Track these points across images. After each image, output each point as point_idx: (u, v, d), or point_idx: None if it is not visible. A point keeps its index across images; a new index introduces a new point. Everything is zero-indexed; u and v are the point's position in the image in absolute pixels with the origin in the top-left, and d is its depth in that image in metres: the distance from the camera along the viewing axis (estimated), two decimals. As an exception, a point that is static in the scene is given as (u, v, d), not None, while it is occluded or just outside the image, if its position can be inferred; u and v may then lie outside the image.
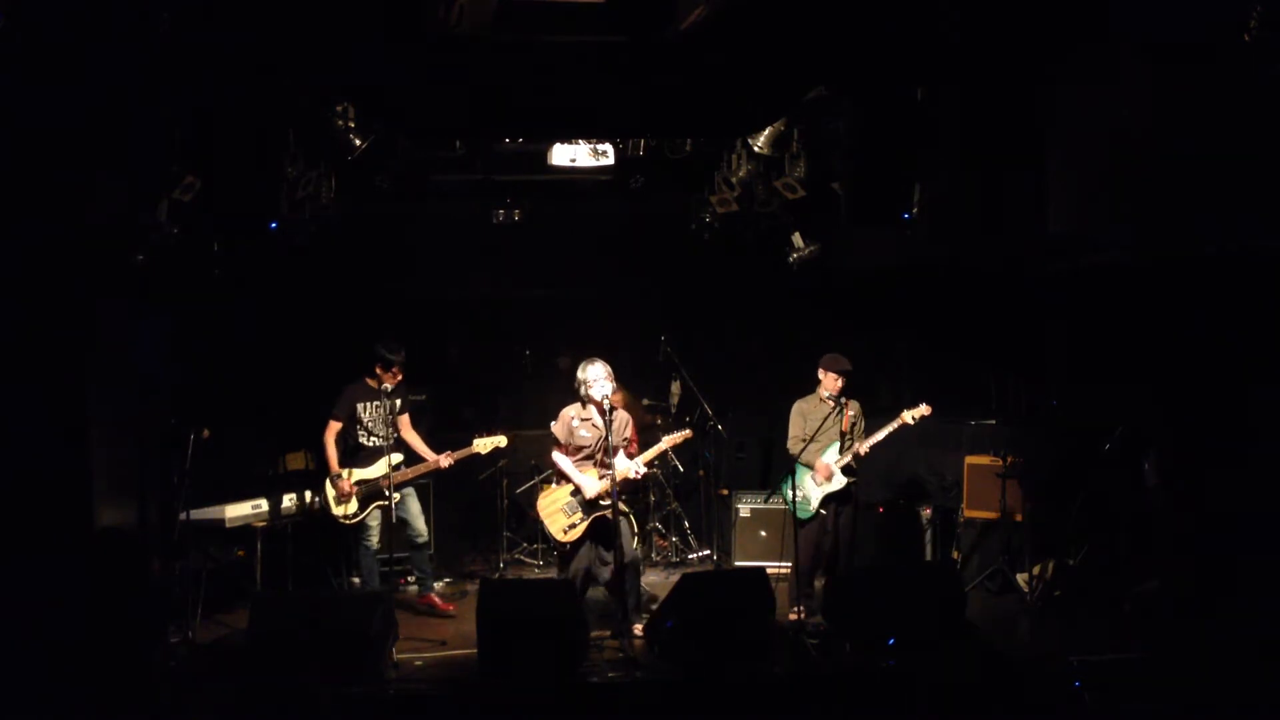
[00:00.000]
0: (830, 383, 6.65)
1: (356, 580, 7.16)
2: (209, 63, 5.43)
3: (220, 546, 6.79)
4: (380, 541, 6.70)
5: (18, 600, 5.10)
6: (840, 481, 6.58)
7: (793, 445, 6.70)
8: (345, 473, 6.68)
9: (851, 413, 6.68)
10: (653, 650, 5.87)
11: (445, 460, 6.78)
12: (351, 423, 6.76)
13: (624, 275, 9.09)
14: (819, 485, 6.61)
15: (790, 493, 6.43)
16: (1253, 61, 4.78)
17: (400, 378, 6.78)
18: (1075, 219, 6.12)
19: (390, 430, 6.70)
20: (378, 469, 6.65)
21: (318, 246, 7.40)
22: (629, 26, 5.19)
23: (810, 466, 6.61)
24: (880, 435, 6.57)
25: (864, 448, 6.56)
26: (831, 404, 6.61)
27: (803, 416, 6.72)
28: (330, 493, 6.73)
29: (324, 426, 6.81)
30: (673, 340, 8.36)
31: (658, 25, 5.17)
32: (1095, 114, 5.85)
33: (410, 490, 6.88)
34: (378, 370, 6.73)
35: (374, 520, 6.70)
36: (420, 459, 6.85)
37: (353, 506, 6.67)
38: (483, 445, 6.84)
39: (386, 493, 6.45)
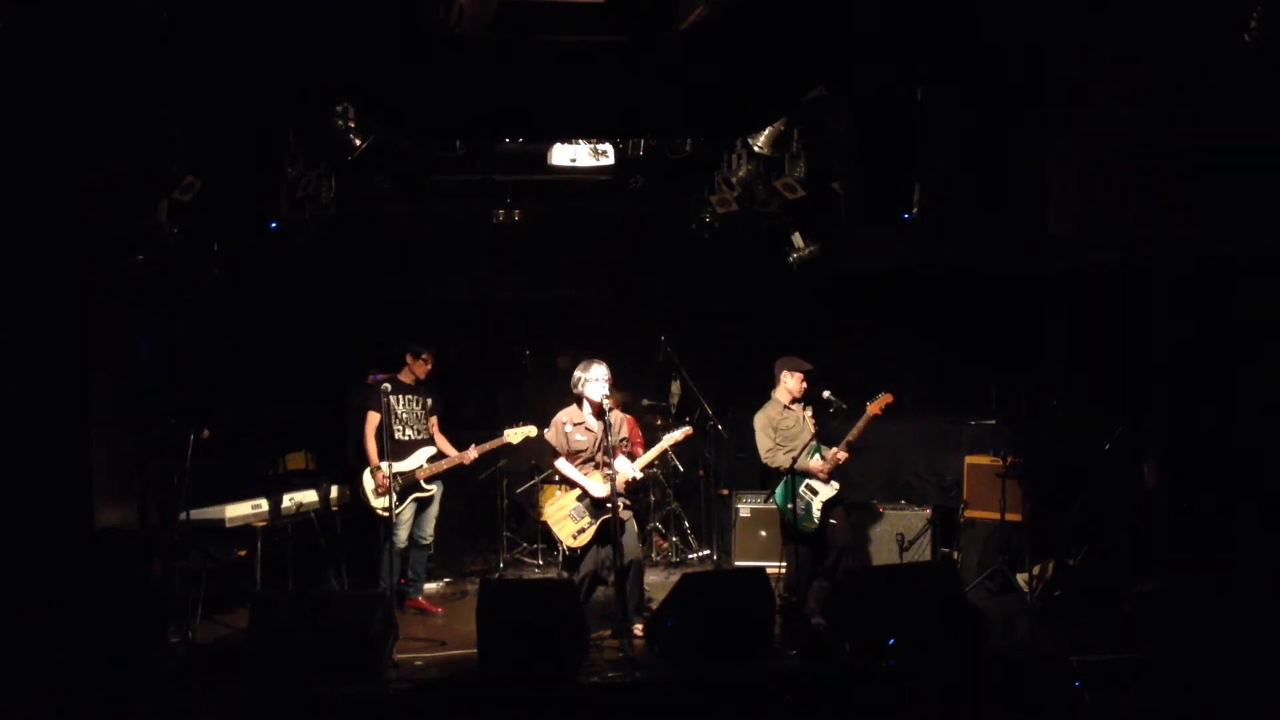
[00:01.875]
0: (795, 384, 6.66)
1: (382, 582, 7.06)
2: (209, 63, 5.43)
3: (220, 546, 6.78)
4: (408, 540, 6.82)
5: (18, 600, 5.11)
6: (834, 486, 6.59)
7: (772, 457, 6.58)
8: (384, 466, 6.73)
9: (810, 414, 6.70)
10: (653, 650, 5.87)
11: (471, 454, 6.89)
12: (386, 415, 6.78)
13: (624, 275, 9.09)
14: (816, 493, 6.56)
15: (788, 504, 6.42)
16: (1253, 61, 4.78)
17: (430, 367, 6.96)
18: (1075, 219, 6.12)
19: (423, 425, 6.95)
20: (412, 462, 6.79)
21: (318, 246, 7.40)
22: (629, 26, 5.19)
23: (805, 474, 6.53)
24: (853, 434, 6.53)
25: (842, 453, 6.54)
26: (799, 409, 6.66)
27: (773, 428, 6.66)
28: (370, 484, 6.80)
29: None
30: (673, 340, 8.36)
31: (658, 25, 5.17)
32: (1095, 114, 5.85)
33: (438, 491, 7.00)
34: (408, 359, 6.91)
35: (408, 514, 6.82)
36: (444, 455, 6.97)
37: (385, 499, 6.71)
38: (514, 435, 6.89)
39: (422, 484, 6.79)
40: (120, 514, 5.66)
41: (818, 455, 6.60)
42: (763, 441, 6.67)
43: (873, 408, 6.50)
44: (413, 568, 7.06)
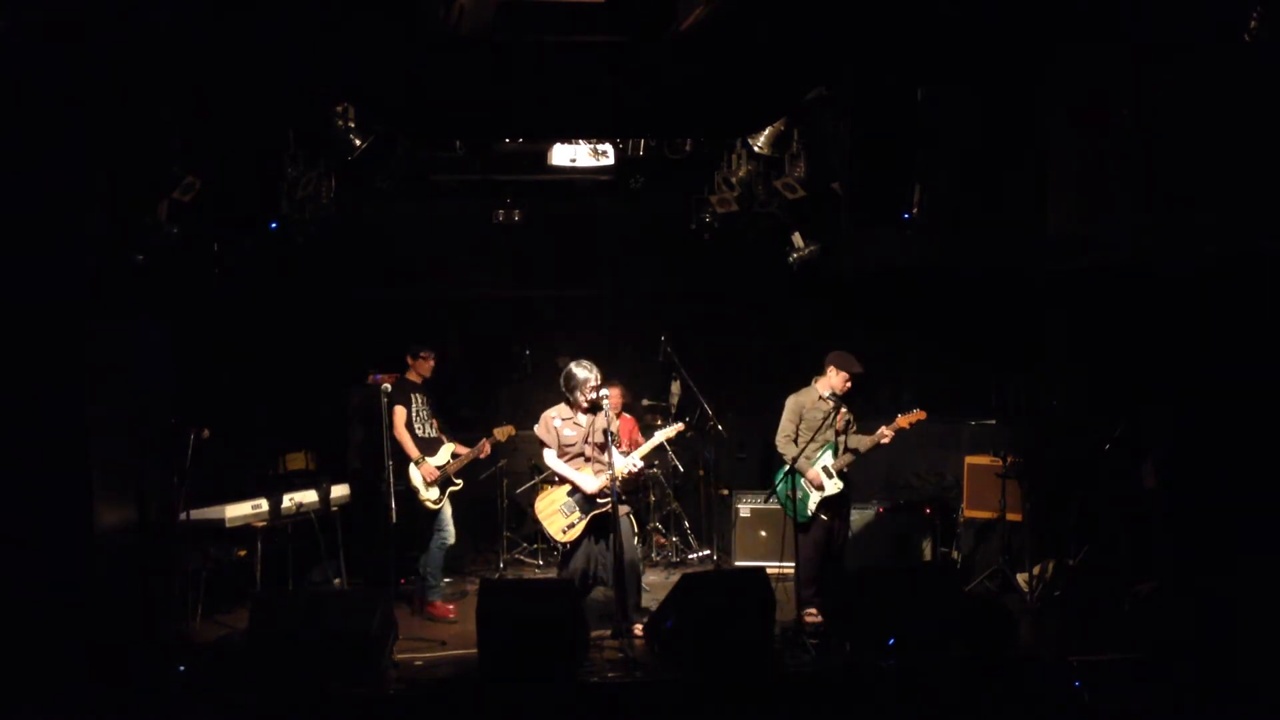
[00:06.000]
0: (839, 382, 6.57)
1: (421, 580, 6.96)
2: (209, 63, 5.43)
3: (220, 546, 6.79)
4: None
5: (18, 601, 5.11)
6: (836, 486, 6.54)
7: (783, 445, 6.58)
8: (424, 458, 6.81)
9: (844, 412, 6.63)
10: (653, 650, 5.87)
11: (486, 447, 7.00)
12: (411, 412, 6.87)
13: (624, 275, 9.10)
14: (812, 491, 6.54)
15: (787, 493, 6.40)
16: (1252, 61, 4.79)
17: (432, 364, 7.00)
18: (1075, 219, 6.12)
19: (432, 423, 7.00)
20: (441, 457, 6.85)
21: (318, 246, 7.41)
22: (629, 26, 5.19)
23: (801, 473, 6.49)
24: (863, 449, 6.55)
25: (842, 463, 6.53)
26: (831, 403, 6.55)
27: (798, 413, 6.61)
28: (418, 478, 6.80)
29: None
30: (673, 340, 8.36)
31: (658, 25, 5.17)
32: (1095, 114, 5.85)
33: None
34: (409, 360, 6.95)
35: (449, 510, 6.84)
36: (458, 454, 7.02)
37: (435, 492, 6.77)
38: (501, 434, 7.05)
39: (453, 478, 6.91)
40: (120, 514, 5.66)
41: (830, 453, 6.57)
42: (783, 425, 6.64)
43: (901, 421, 6.50)
44: (435, 570, 6.99)
